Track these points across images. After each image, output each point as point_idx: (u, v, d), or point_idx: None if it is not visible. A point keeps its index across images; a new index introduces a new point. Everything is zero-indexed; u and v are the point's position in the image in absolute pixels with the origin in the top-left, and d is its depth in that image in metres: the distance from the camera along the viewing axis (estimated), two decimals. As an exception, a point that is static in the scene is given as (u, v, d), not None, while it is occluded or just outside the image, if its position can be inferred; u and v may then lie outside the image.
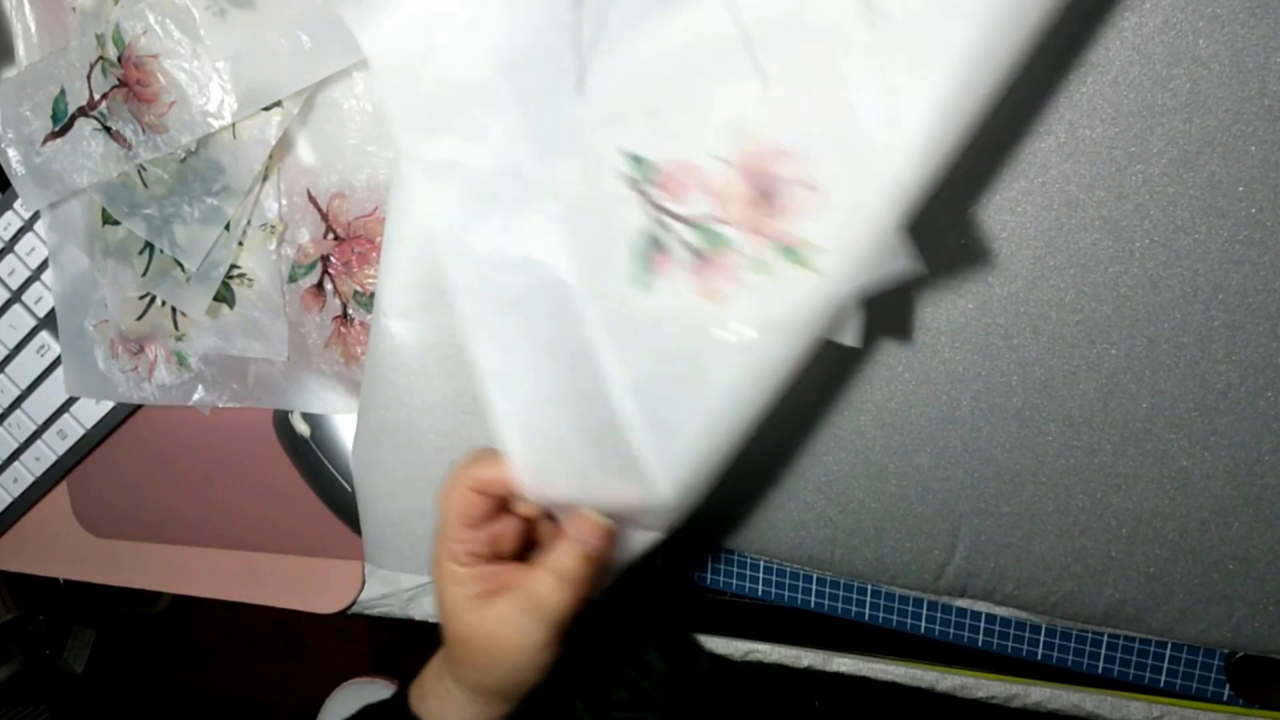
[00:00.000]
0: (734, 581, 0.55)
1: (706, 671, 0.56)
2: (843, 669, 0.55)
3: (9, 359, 0.62)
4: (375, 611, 0.63)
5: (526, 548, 0.43)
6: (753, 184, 0.36)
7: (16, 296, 0.60)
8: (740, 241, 0.36)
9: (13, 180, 0.55)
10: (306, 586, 0.62)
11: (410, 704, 0.46)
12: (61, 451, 0.63)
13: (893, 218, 0.34)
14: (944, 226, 0.43)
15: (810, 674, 0.56)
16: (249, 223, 0.52)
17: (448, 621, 0.42)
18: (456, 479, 0.41)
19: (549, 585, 0.40)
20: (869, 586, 0.52)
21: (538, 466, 0.40)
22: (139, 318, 0.56)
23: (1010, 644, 0.50)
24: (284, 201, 0.52)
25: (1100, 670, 0.49)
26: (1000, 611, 0.49)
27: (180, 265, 0.53)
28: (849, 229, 0.35)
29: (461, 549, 0.41)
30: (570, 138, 0.39)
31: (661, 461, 0.38)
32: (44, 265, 0.59)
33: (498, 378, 0.40)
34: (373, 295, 0.52)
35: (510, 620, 0.40)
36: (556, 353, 0.40)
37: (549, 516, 0.43)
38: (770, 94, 0.35)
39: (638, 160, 0.38)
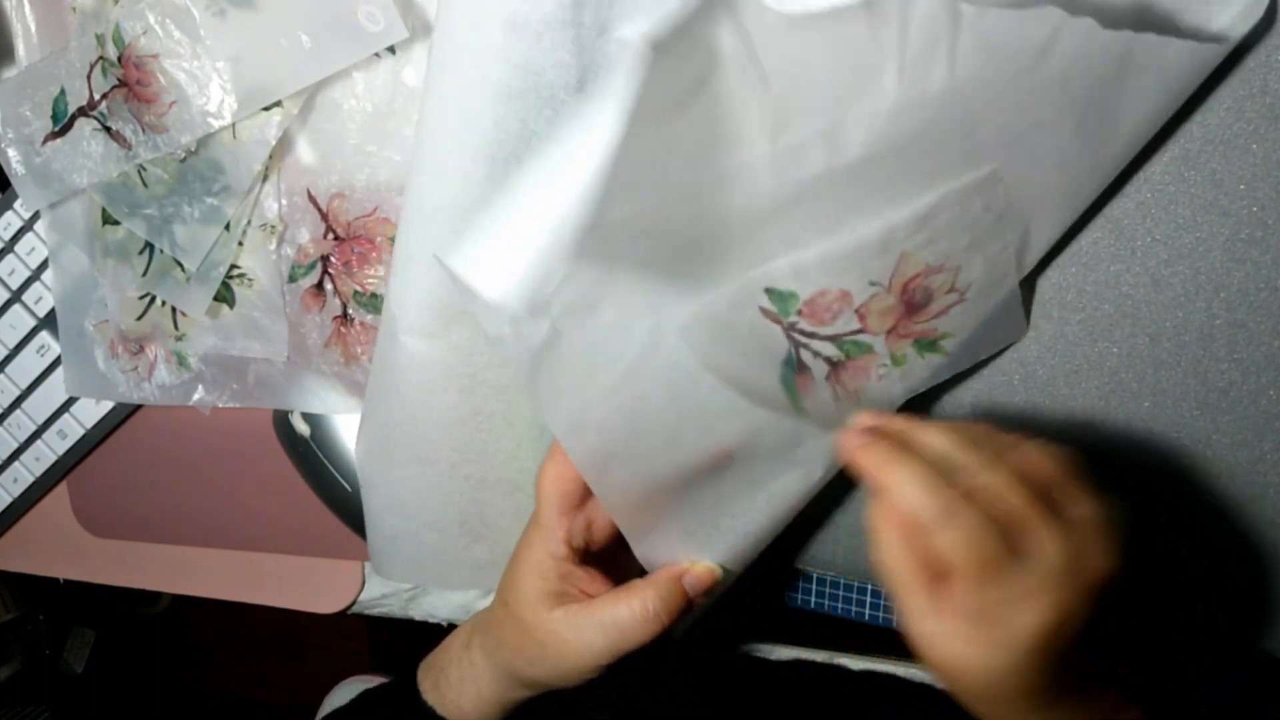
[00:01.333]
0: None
1: (702, 663, 0.56)
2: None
3: (9, 359, 0.62)
4: (375, 611, 0.62)
5: (617, 549, 0.44)
6: (903, 299, 0.39)
7: (16, 296, 0.60)
8: (880, 345, 0.40)
9: (13, 180, 0.55)
10: (306, 586, 0.62)
11: (418, 679, 0.47)
12: (61, 451, 0.62)
13: (1014, 297, 0.39)
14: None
15: (809, 667, 0.55)
16: (249, 223, 0.52)
17: (518, 608, 0.43)
18: (553, 455, 0.42)
19: (639, 619, 0.40)
20: (870, 586, 0.52)
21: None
22: (139, 318, 0.56)
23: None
24: (284, 201, 0.52)
25: (1102, 669, 0.49)
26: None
27: (180, 265, 0.53)
28: (975, 314, 0.40)
29: (560, 538, 0.42)
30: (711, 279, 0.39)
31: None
32: (44, 265, 0.59)
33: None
34: (373, 295, 0.51)
35: (584, 635, 0.41)
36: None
37: None
38: (928, 223, 0.38)
39: (782, 295, 0.39)
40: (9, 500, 0.64)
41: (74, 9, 0.51)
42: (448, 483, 0.49)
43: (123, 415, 0.61)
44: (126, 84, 0.49)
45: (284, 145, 0.50)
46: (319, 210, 0.51)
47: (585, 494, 0.42)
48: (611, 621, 0.41)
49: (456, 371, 0.46)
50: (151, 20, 0.47)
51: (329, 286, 0.52)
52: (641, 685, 0.52)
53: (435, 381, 0.47)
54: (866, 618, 0.52)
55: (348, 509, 0.57)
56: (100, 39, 0.49)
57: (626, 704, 0.51)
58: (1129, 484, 0.44)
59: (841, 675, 0.55)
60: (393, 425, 0.49)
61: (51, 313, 0.60)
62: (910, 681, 0.53)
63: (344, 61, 0.47)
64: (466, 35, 0.40)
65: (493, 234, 0.32)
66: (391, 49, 0.47)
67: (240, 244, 0.52)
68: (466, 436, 0.48)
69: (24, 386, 0.62)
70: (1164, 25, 0.35)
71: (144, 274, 0.54)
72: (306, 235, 0.52)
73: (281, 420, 0.57)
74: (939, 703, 0.53)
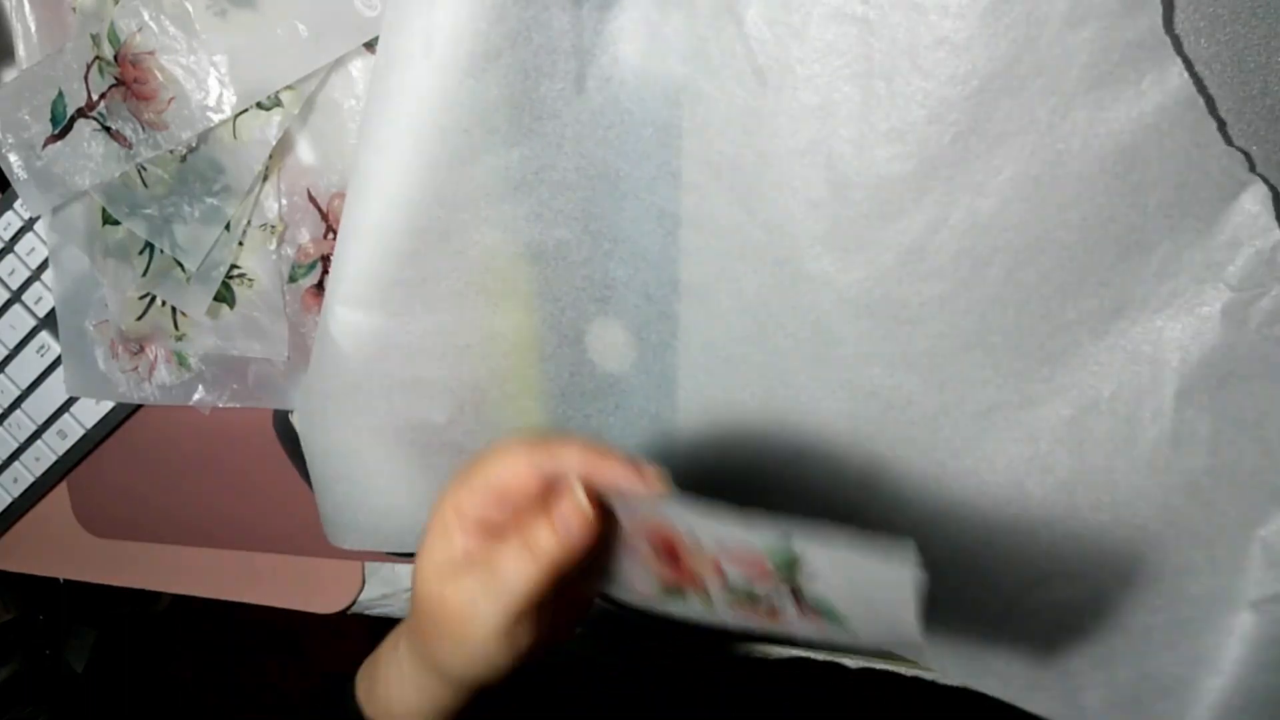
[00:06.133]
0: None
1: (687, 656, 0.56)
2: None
3: (9, 359, 0.62)
4: (375, 611, 0.62)
5: None
6: None
7: (16, 296, 0.60)
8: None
9: (15, 185, 0.55)
10: (306, 586, 0.62)
11: (356, 680, 0.44)
12: (61, 451, 0.62)
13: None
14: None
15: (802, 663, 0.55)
16: (249, 223, 0.52)
17: (418, 581, 0.39)
18: (518, 442, 0.38)
19: (514, 562, 0.36)
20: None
21: None
22: (139, 318, 0.56)
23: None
24: (284, 201, 0.52)
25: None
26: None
27: (180, 265, 0.53)
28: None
29: (474, 506, 0.38)
30: None
31: None
32: (44, 265, 0.59)
33: None
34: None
35: (471, 598, 0.37)
36: None
37: None
38: None
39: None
40: (9, 500, 0.64)
41: (74, 9, 0.51)
42: (394, 449, 0.49)
43: (123, 415, 0.61)
44: (124, 82, 0.49)
45: (284, 145, 0.50)
46: (319, 210, 0.51)
47: (528, 490, 0.38)
48: (496, 574, 0.36)
49: (395, 340, 0.47)
50: (146, 17, 0.47)
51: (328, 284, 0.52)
52: (638, 685, 0.52)
53: (374, 350, 0.47)
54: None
55: (347, 509, 0.57)
56: (95, 39, 0.49)
57: (623, 704, 0.51)
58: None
59: (839, 674, 0.55)
60: (335, 395, 0.49)
61: (51, 313, 0.60)
62: (905, 678, 0.53)
63: (342, 49, 0.47)
64: (422, 10, 0.40)
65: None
66: (391, 49, 0.47)
67: (240, 244, 0.52)
68: (408, 404, 0.48)
69: (24, 386, 0.62)
70: None
71: (144, 274, 0.54)
72: (307, 235, 0.52)
73: (281, 420, 0.57)
74: (936, 700, 0.53)
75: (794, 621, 0.34)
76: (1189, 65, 0.37)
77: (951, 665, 0.47)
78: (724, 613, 0.36)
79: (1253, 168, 0.37)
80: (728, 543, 0.33)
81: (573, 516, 0.36)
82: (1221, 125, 0.37)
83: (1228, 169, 0.37)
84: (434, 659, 0.40)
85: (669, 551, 0.36)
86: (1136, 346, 0.40)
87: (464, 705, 0.41)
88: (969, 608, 0.46)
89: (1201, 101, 0.36)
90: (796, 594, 0.33)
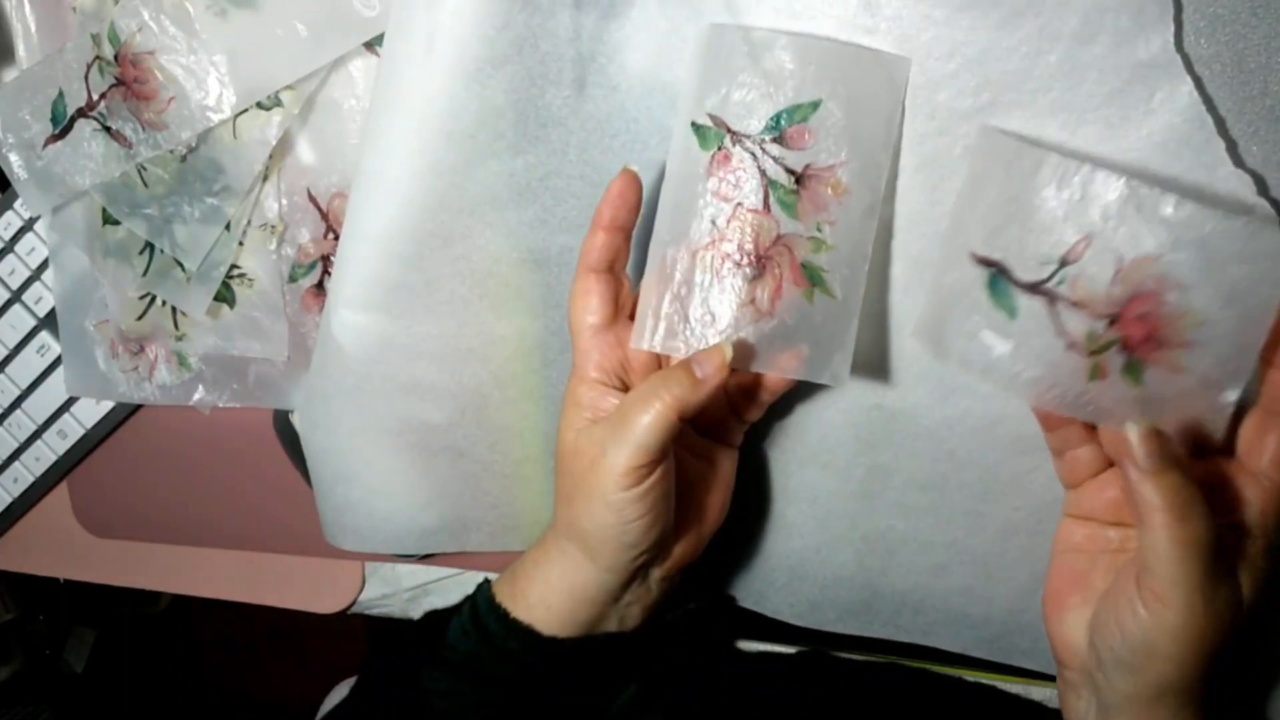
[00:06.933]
0: (735, 582, 0.54)
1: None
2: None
3: (9, 359, 0.62)
4: (375, 611, 0.62)
5: None
6: None
7: (16, 296, 0.60)
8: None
9: (15, 186, 0.55)
10: (306, 586, 0.62)
11: (493, 592, 0.45)
12: (61, 451, 0.62)
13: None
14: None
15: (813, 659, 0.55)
16: (249, 223, 0.52)
17: (560, 448, 0.41)
18: (577, 277, 0.40)
19: (641, 399, 0.38)
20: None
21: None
22: (139, 318, 0.56)
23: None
24: (284, 201, 0.52)
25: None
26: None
27: (180, 265, 0.53)
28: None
29: (590, 362, 0.40)
30: None
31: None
32: (44, 265, 0.59)
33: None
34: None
35: (598, 437, 0.39)
36: None
37: None
38: None
39: None
40: (9, 500, 0.64)
41: (74, 9, 0.51)
42: (392, 452, 0.50)
43: (123, 415, 0.61)
44: (124, 82, 0.49)
45: (284, 145, 0.50)
46: (319, 210, 0.51)
47: (612, 313, 0.40)
48: (622, 411, 0.38)
49: (396, 343, 0.47)
50: (146, 17, 0.47)
51: (329, 286, 0.52)
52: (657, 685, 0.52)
53: (376, 352, 0.47)
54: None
55: (347, 509, 0.57)
56: (96, 38, 0.49)
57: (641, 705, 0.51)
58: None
59: (844, 669, 0.55)
60: (336, 396, 0.49)
61: (51, 313, 0.60)
62: (911, 669, 0.53)
63: (341, 49, 0.47)
64: (424, 12, 0.41)
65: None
66: (392, 49, 0.47)
67: (240, 244, 0.52)
68: (409, 406, 0.48)
69: (24, 386, 0.62)
70: None
71: (144, 274, 0.54)
72: (307, 235, 0.52)
73: (281, 420, 0.57)
74: (942, 689, 0.53)
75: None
76: (1199, 84, 0.36)
77: (979, 650, 0.48)
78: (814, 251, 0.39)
79: (1260, 191, 0.37)
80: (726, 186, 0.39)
81: (713, 357, 0.38)
82: (1231, 146, 0.37)
83: (1234, 191, 0.37)
84: (575, 525, 0.41)
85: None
86: None
87: (606, 596, 0.42)
88: (981, 602, 0.46)
89: (1210, 121, 0.36)
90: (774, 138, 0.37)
